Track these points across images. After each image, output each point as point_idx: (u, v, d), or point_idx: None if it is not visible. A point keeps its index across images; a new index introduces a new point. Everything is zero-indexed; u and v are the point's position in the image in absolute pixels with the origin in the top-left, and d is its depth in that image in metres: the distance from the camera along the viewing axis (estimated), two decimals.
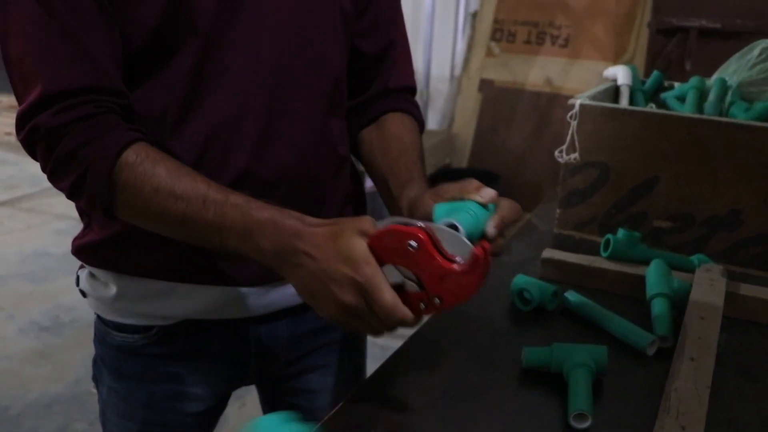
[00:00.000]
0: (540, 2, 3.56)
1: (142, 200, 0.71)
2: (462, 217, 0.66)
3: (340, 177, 0.91)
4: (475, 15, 3.77)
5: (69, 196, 0.75)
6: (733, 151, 1.05)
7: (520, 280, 0.91)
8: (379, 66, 0.95)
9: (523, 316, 0.92)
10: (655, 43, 2.69)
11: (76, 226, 4.23)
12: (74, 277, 0.97)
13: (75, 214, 3.20)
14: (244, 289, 0.85)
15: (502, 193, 0.80)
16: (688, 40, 2.63)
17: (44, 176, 0.76)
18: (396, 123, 0.93)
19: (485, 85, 3.68)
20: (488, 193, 0.70)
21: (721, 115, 1.30)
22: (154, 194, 0.70)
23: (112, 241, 0.83)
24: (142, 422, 0.92)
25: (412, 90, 0.99)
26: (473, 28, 3.78)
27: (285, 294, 0.87)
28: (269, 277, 0.84)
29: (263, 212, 0.68)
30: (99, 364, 0.93)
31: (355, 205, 0.99)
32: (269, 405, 1.05)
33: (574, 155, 1.12)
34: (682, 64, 2.64)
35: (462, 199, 0.71)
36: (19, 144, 0.72)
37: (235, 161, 0.79)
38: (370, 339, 1.01)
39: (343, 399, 0.74)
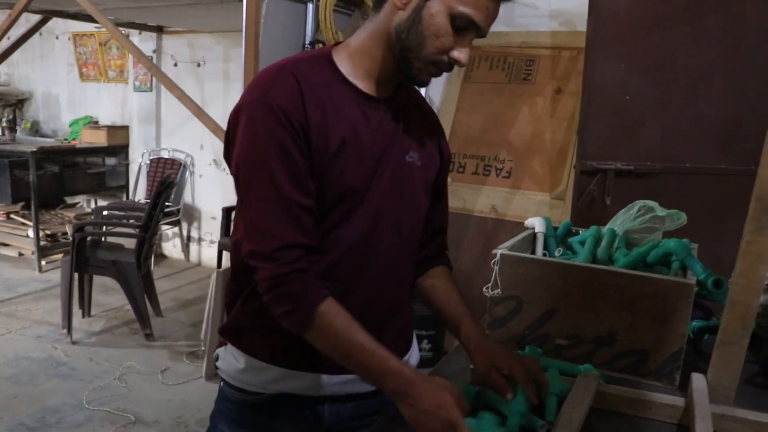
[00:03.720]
0: (487, 139, 4.00)
1: (325, 339, 1.13)
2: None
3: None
4: None
5: (278, 318, 1.14)
6: (608, 290, 1.43)
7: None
8: (434, 238, 1.43)
9: None
10: (580, 182, 3.10)
11: (54, 331, 4.60)
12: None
13: (53, 320, 3.84)
14: (326, 377, 1.25)
15: None
16: (607, 179, 3.06)
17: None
18: (442, 276, 1.41)
19: None
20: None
21: (609, 257, 1.71)
22: (332, 339, 1.12)
23: (246, 329, 1.26)
24: None
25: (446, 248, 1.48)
26: None
27: (354, 384, 1.27)
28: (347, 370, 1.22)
29: (390, 363, 1.09)
30: (216, 418, 1.32)
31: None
32: None
33: (497, 291, 1.52)
34: (604, 199, 3.07)
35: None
36: None
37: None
38: None
39: None
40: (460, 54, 1.14)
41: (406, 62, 1.17)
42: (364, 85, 1.21)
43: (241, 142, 1.13)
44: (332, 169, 1.15)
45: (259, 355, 1.25)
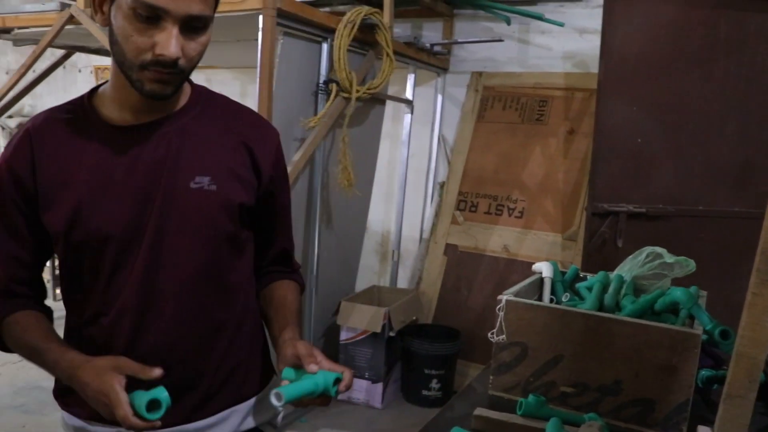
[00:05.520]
0: (499, 179, 4.00)
1: (17, 351, 1.18)
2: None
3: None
4: (443, 186, 4.20)
5: None
6: (613, 338, 1.42)
7: (456, 431, 1.27)
8: (279, 262, 1.40)
9: None
10: (592, 224, 3.08)
11: None
12: None
13: None
14: None
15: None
16: (618, 221, 3.01)
17: None
18: (284, 286, 1.36)
19: (450, 249, 4.04)
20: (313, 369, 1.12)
21: (617, 304, 1.70)
22: (18, 350, 1.18)
23: (65, 388, 1.21)
24: None
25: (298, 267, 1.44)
26: (441, 197, 4.19)
27: None
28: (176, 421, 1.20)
29: (52, 358, 1.12)
30: None
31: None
32: None
33: (502, 336, 1.51)
34: (615, 241, 3.05)
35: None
36: None
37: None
38: None
39: None
40: (162, 49, 1.02)
41: (128, 78, 1.08)
42: (122, 116, 1.16)
43: None
44: (82, 215, 1.13)
45: (78, 414, 1.24)
